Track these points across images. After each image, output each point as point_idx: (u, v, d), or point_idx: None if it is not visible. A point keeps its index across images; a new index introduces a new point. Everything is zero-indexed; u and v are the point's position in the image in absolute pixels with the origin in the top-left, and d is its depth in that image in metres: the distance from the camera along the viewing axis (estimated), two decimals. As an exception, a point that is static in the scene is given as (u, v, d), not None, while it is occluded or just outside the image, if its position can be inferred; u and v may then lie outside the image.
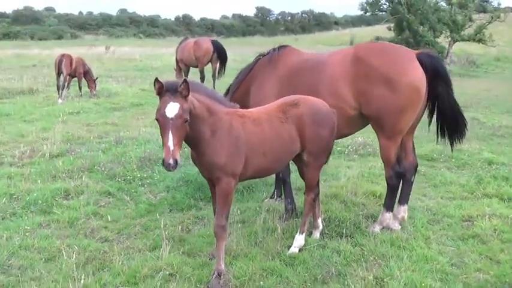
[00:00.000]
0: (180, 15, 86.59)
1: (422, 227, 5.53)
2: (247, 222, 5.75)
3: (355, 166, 7.97)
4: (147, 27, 75.31)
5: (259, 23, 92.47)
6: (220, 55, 15.79)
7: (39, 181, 7.11)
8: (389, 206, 5.50)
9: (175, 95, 3.82)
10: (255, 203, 6.37)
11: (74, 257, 4.78)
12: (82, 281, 4.30)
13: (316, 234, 5.34)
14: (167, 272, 4.49)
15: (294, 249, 4.97)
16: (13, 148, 8.93)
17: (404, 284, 4.16)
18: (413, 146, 5.75)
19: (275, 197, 6.50)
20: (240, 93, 6.01)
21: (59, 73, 14.65)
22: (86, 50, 36.61)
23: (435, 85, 5.21)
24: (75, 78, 15.51)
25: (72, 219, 5.88)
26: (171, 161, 3.71)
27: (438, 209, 6.14)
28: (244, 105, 5.51)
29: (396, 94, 5.02)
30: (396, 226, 5.52)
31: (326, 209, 5.89)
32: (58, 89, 14.72)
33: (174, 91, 3.83)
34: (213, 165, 4.25)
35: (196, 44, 16.02)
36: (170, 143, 3.74)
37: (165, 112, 3.79)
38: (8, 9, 71.86)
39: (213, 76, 16.13)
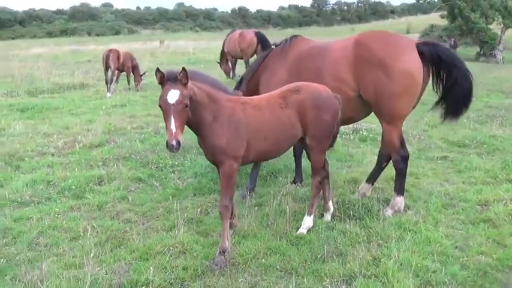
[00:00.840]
0: (236, 8, 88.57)
1: (435, 210, 5.70)
2: (263, 205, 6.13)
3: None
4: (204, 20, 77.81)
5: (316, 14, 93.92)
6: (264, 46, 16.18)
7: (76, 169, 7.91)
8: (399, 190, 5.76)
9: (175, 83, 4.26)
10: (276, 188, 6.70)
11: (97, 236, 5.48)
12: (99, 257, 4.94)
13: (327, 216, 5.65)
14: (178, 250, 4.99)
15: (302, 230, 5.32)
16: (57, 139, 9.86)
17: (400, 264, 4.37)
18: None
19: (297, 182, 6.89)
20: (254, 82, 6.48)
21: (106, 68, 15.73)
22: (140, 44, 38.73)
23: (446, 70, 5.43)
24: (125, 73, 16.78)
25: (102, 203, 6.54)
26: (174, 142, 4.15)
27: (456, 193, 6.28)
28: (258, 94, 5.95)
29: (391, 79, 5.34)
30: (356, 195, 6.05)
31: (341, 192, 6.21)
32: (106, 83, 15.86)
33: (174, 79, 4.27)
34: (214, 148, 4.67)
35: (241, 36, 16.74)
36: (172, 126, 4.19)
37: (166, 99, 4.23)
38: (66, 6, 77.15)
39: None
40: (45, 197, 6.84)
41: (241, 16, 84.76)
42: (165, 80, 4.31)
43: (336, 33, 53.10)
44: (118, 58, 15.76)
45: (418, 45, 5.52)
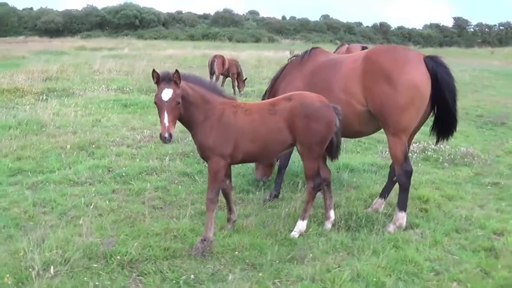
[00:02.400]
0: (378, 23, 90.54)
1: (442, 233, 5.87)
2: (275, 207, 6.81)
3: (435, 173, 8.50)
4: (344, 33, 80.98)
5: (457, 34, 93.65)
6: None
7: (137, 160, 9.33)
8: (401, 205, 6.01)
9: (169, 83, 5.13)
10: (291, 192, 7.40)
11: (118, 215, 6.60)
12: (106, 230, 6.02)
13: (328, 225, 6.05)
14: (172, 234, 5.82)
15: (294, 233, 5.83)
16: (139, 133, 11.52)
17: (357, 275, 4.73)
18: (408, 150, 6.27)
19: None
20: (274, 91, 7.14)
21: (211, 72, 17.48)
22: (273, 53, 40.98)
23: (437, 89, 5.75)
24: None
25: (141, 189, 7.67)
26: (166, 135, 5.02)
27: (478, 219, 6.34)
28: None
29: (396, 91, 5.67)
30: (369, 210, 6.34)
31: (359, 204, 6.67)
32: None
33: (169, 79, 5.14)
34: (203, 145, 5.50)
35: (348, 49, 17.58)
36: (166, 120, 5.05)
37: (161, 96, 5.08)
38: (211, 11, 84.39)
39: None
40: (97, 179, 8.21)
41: (382, 32, 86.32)
42: (160, 79, 5.18)
43: (475, 55, 50.17)
44: (223, 64, 17.48)
45: (425, 59, 5.81)
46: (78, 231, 5.82)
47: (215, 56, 17.88)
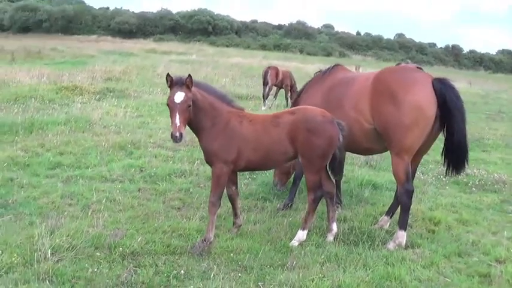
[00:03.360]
0: (450, 45, 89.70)
1: (443, 255, 6.06)
2: (287, 217, 7.19)
3: (459, 197, 8.75)
4: (416, 53, 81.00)
5: None
6: None
7: (171, 162, 9.97)
8: (402, 224, 6.25)
9: (182, 87, 5.65)
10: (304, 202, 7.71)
11: (137, 211, 7.21)
12: (119, 224, 6.63)
13: (330, 237, 6.37)
14: (178, 233, 6.36)
15: (294, 242, 6.20)
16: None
17: (333, 287, 5.08)
18: (415, 171, 6.61)
19: (337, 204, 7.55)
20: (296, 104, 7.52)
21: (264, 83, 18.19)
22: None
23: (444, 112, 5.98)
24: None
25: (166, 190, 8.26)
26: (177, 134, 5.50)
27: (485, 246, 6.45)
28: None
29: (400, 111, 5.95)
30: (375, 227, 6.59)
31: (362, 219, 7.02)
32: (263, 97, 18.27)
33: (181, 84, 5.66)
34: (208, 150, 6.02)
35: None
36: (177, 121, 5.55)
37: (174, 99, 5.60)
38: (287, 22, 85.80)
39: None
40: (128, 178, 8.91)
41: (453, 54, 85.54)
42: (173, 83, 5.71)
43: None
44: (276, 75, 18.10)
45: (433, 81, 6.04)
46: (92, 223, 6.44)
47: (269, 67, 18.57)
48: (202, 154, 6.32)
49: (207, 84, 6.34)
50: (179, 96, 5.62)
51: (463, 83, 37.78)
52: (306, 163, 6.03)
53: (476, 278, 5.53)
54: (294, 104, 7.75)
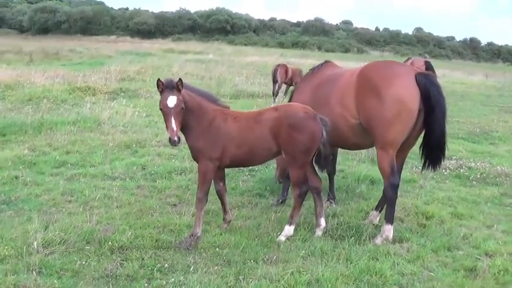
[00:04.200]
0: (468, 38, 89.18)
1: (431, 249, 6.14)
2: (279, 212, 7.37)
3: (458, 191, 8.77)
4: (434, 47, 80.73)
5: None
6: None
7: (173, 160, 10.23)
8: (388, 218, 6.32)
9: (173, 90, 5.74)
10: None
11: (132, 207, 7.45)
12: (117, 221, 6.87)
13: (318, 232, 6.48)
14: (168, 228, 6.55)
15: (281, 237, 6.33)
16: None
17: (316, 280, 5.21)
18: (402, 165, 6.69)
19: (330, 200, 7.90)
20: (291, 101, 7.70)
21: (274, 81, 18.40)
22: (354, 64, 41.05)
23: (426, 107, 6.03)
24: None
25: (165, 187, 8.46)
26: (175, 138, 5.62)
27: (476, 239, 6.49)
28: None
29: (383, 105, 6.03)
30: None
31: (353, 215, 7.12)
32: (273, 94, 18.51)
33: (172, 87, 5.74)
34: (193, 148, 6.20)
35: (412, 63, 17.90)
36: (173, 125, 5.66)
37: (167, 103, 5.69)
38: (304, 19, 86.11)
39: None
40: (129, 176, 9.16)
41: (471, 47, 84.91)
42: (164, 87, 5.80)
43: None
44: (286, 73, 18.28)
45: (416, 75, 6.10)
46: (87, 219, 6.69)
47: (278, 65, 18.76)
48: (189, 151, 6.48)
49: (191, 85, 6.46)
50: (172, 100, 5.74)
51: (479, 75, 37.50)
52: (289, 159, 6.17)
53: (461, 272, 5.57)
54: (290, 101, 7.90)
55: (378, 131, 6.18)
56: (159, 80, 5.83)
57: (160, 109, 5.86)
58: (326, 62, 7.74)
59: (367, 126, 6.33)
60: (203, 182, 6.22)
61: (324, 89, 6.97)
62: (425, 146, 6.48)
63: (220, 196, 6.67)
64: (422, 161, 6.63)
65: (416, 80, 6.08)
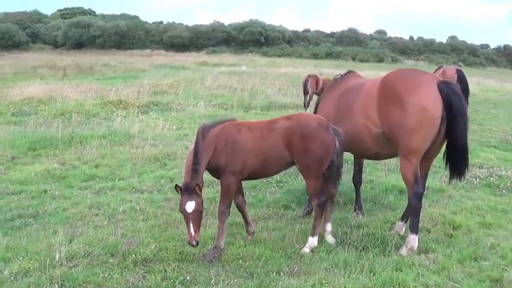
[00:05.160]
0: (502, 46, 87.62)
1: (457, 259, 6.07)
2: (305, 224, 7.33)
3: (486, 200, 8.62)
4: (468, 56, 79.43)
5: None
6: (463, 85, 16.76)
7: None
8: (413, 228, 6.26)
9: (191, 194, 5.78)
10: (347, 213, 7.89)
11: (158, 220, 7.52)
12: (143, 234, 6.95)
13: (327, 237, 6.60)
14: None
15: (305, 249, 6.35)
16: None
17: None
18: (426, 174, 6.60)
19: (357, 210, 7.88)
20: (316, 111, 7.74)
21: (305, 92, 18.39)
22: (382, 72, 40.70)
23: (448, 116, 5.98)
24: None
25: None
26: (194, 243, 5.70)
27: (502, 249, 6.41)
28: None
29: (406, 113, 6.00)
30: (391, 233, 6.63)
31: (379, 225, 7.07)
32: (304, 106, 18.52)
33: (190, 191, 5.80)
34: (217, 167, 6.25)
35: (444, 72, 17.67)
36: (192, 230, 5.74)
37: (185, 208, 5.78)
38: (337, 29, 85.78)
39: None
40: (157, 188, 9.29)
41: (505, 55, 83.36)
42: (182, 191, 5.87)
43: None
44: (317, 84, 18.26)
45: (439, 83, 6.06)
46: (112, 232, 6.78)
47: (309, 76, 18.79)
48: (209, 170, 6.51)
49: (206, 127, 6.40)
50: (190, 206, 5.81)
51: (512, 83, 36.73)
52: (303, 169, 6.22)
53: (486, 283, 5.48)
54: (315, 112, 7.88)
55: (401, 139, 6.14)
56: (176, 185, 5.93)
57: (180, 211, 5.98)
58: (349, 72, 7.76)
59: (390, 135, 6.30)
60: (226, 195, 6.29)
61: (346, 99, 6.98)
62: (448, 156, 6.40)
63: (240, 209, 6.74)
64: (448, 171, 6.55)
65: (438, 88, 6.04)
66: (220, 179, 6.35)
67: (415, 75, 6.34)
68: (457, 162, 6.37)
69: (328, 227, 6.61)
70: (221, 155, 6.18)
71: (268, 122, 6.41)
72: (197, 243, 5.72)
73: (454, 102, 5.98)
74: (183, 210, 5.83)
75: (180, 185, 5.93)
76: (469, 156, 6.39)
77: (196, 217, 5.79)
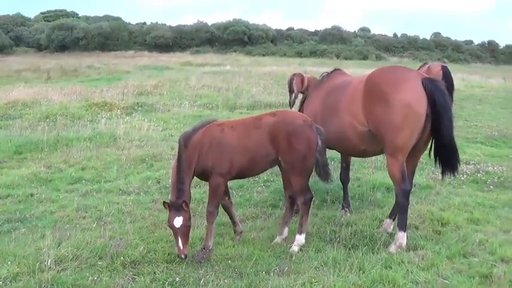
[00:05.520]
0: (486, 42, 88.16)
1: (446, 256, 6.11)
2: (295, 223, 7.20)
3: (474, 196, 8.68)
4: (452, 52, 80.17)
5: None
6: (448, 80, 17.07)
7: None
8: (401, 225, 6.30)
9: (179, 210, 5.86)
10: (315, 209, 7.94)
11: (146, 221, 7.52)
12: (131, 236, 6.96)
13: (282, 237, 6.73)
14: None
15: (294, 247, 6.36)
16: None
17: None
18: (413, 171, 6.64)
19: (345, 208, 7.91)
20: (301, 110, 7.80)
21: (290, 91, 18.38)
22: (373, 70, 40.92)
23: (433, 112, 6.03)
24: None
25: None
26: (182, 256, 5.80)
27: (492, 245, 6.42)
28: None
29: (391, 110, 6.04)
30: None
31: (367, 223, 7.11)
32: (290, 104, 18.48)
33: (178, 208, 5.87)
34: (204, 169, 6.26)
35: (429, 68, 17.96)
36: (180, 244, 5.81)
37: (173, 224, 5.84)
38: (321, 27, 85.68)
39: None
40: (144, 190, 9.27)
41: (489, 50, 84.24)
42: (171, 207, 5.96)
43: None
44: (302, 82, 18.24)
45: (423, 79, 6.11)
46: (100, 234, 6.77)
47: (294, 74, 18.77)
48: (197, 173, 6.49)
49: (188, 135, 6.40)
50: (178, 221, 5.90)
51: (498, 78, 37.15)
52: (288, 167, 6.27)
53: (476, 279, 5.51)
54: (300, 110, 7.92)
55: (387, 136, 6.19)
56: (164, 202, 6.05)
57: (169, 226, 6.06)
58: (335, 70, 7.80)
59: (376, 133, 6.34)
60: (214, 196, 6.31)
61: (333, 98, 7.02)
62: (437, 153, 6.45)
63: (227, 210, 6.77)
64: (440, 168, 6.60)
65: (423, 84, 6.09)
66: (209, 181, 6.35)
67: (399, 73, 6.40)
68: (448, 158, 6.42)
69: (285, 231, 6.77)
70: (207, 158, 6.19)
71: (253, 118, 6.43)
72: (186, 256, 5.84)
73: (438, 99, 6.03)
74: (171, 226, 5.92)
75: (168, 201, 6.04)
76: (458, 151, 6.46)
77: (184, 231, 5.90)
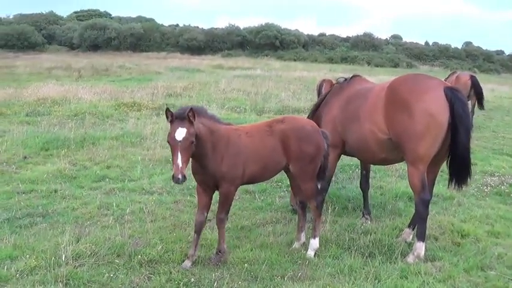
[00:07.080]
0: None
1: (463, 268, 6.03)
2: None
3: (497, 208, 8.56)
4: (483, 62, 78.91)
5: None
6: (477, 90, 17.54)
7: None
8: (420, 235, 6.23)
9: (183, 121, 5.24)
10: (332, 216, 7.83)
11: (166, 222, 7.56)
12: (150, 235, 6.99)
13: (297, 245, 6.69)
14: (202, 242, 6.61)
15: (310, 252, 6.38)
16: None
17: None
18: (434, 180, 6.54)
19: (365, 215, 7.88)
20: (316, 117, 7.65)
21: (319, 96, 18.31)
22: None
23: (452, 122, 5.96)
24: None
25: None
26: (180, 176, 5.11)
27: (510, 258, 6.41)
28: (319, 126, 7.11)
29: (413, 119, 5.99)
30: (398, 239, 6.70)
31: (387, 232, 7.05)
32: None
33: (182, 118, 5.26)
34: (216, 174, 5.87)
35: (457, 78, 17.89)
36: (179, 161, 5.15)
37: (174, 136, 5.18)
38: (353, 34, 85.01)
39: (471, 112, 17.12)
40: (167, 190, 9.32)
41: None
42: (173, 118, 5.31)
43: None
44: (331, 88, 18.13)
45: (445, 88, 6.05)
46: (119, 232, 6.83)
47: (323, 80, 18.49)
48: (204, 180, 6.20)
49: (202, 108, 6.00)
50: (180, 133, 5.27)
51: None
52: (299, 172, 6.27)
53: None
54: (314, 116, 7.84)
55: (409, 145, 6.13)
56: (167, 109, 5.40)
57: (168, 142, 5.42)
58: (355, 76, 7.73)
59: (398, 141, 6.29)
60: (225, 203, 6.17)
61: (353, 104, 6.98)
62: (449, 163, 6.38)
63: (198, 230, 6.19)
64: (449, 178, 6.53)
65: (444, 93, 6.02)
66: (220, 189, 6.09)
67: (421, 81, 6.33)
68: (458, 170, 6.35)
69: (303, 236, 6.73)
70: (220, 160, 5.92)
71: (264, 125, 6.37)
72: (184, 177, 5.14)
73: (456, 108, 5.97)
74: (171, 140, 5.26)
75: (171, 110, 5.39)
76: (471, 164, 6.39)
77: (186, 147, 5.22)
